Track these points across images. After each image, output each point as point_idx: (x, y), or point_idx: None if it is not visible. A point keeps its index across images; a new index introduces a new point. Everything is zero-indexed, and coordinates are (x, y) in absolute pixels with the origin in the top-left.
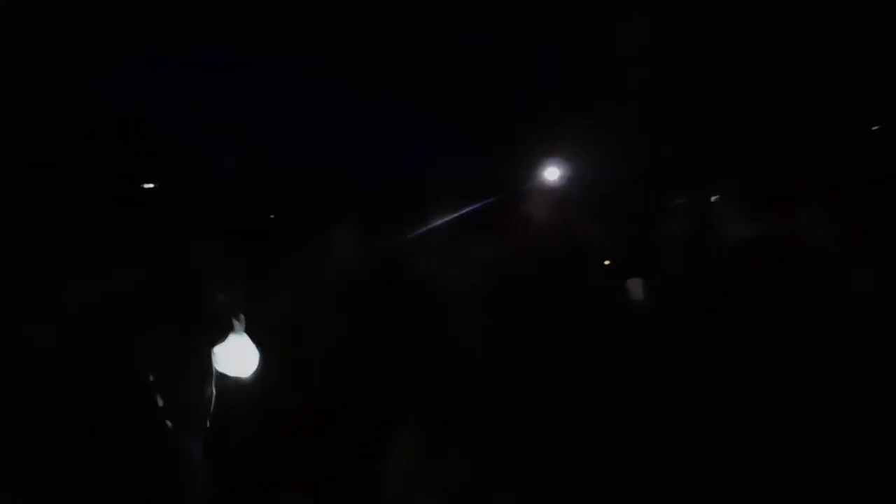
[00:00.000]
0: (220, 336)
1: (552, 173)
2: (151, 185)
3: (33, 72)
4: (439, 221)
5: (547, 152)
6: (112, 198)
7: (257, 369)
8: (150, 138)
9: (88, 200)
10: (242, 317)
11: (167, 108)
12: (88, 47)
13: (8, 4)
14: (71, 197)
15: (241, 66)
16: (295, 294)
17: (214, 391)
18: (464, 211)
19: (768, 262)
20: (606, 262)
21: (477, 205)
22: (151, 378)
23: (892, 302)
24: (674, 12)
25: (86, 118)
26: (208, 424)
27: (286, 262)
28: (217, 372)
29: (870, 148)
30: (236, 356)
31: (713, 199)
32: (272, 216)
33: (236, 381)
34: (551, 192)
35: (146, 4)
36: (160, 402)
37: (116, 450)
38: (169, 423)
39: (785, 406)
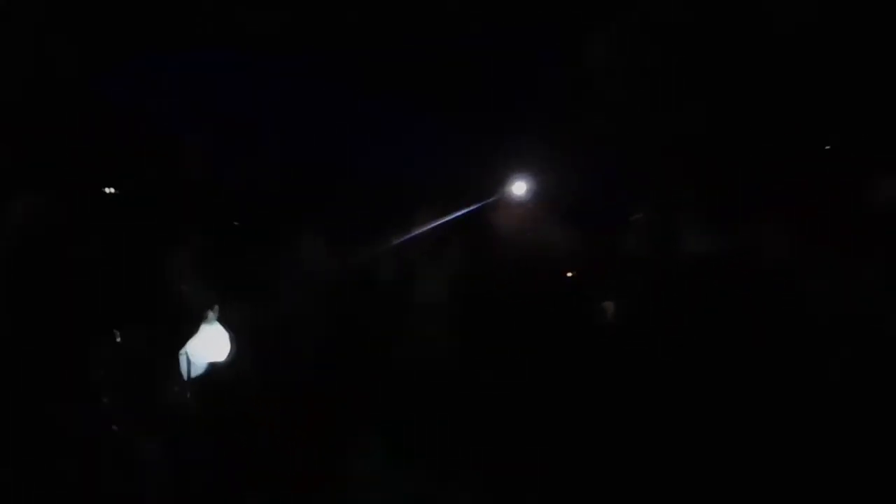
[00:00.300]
0: (193, 332)
1: (525, 185)
2: (129, 186)
3: (33, 72)
4: (415, 229)
5: (521, 164)
6: (92, 198)
7: (229, 360)
8: (137, 137)
9: (72, 200)
10: (216, 307)
11: (162, 108)
12: (88, 47)
13: (8, 4)
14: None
15: (227, 66)
16: (273, 294)
17: (185, 388)
18: (440, 220)
19: (727, 273)
20: (570, 274)
21: (453, 214)
22: (123, 378)
23: (848, 310)
24: (643, 33)
25: (84, 118)
26: (176, 422)
27: (267, 261)
28: (188, 367)
29: (824, 164)
30: (209, 344)
31: (675, 212)
32: (251, 216)
33: (208, 374)
34: (525, 202)
35: (146, 4)
36: (129, 402)
37: (86, 449)
38: (137, 422)
39: (742, 409)
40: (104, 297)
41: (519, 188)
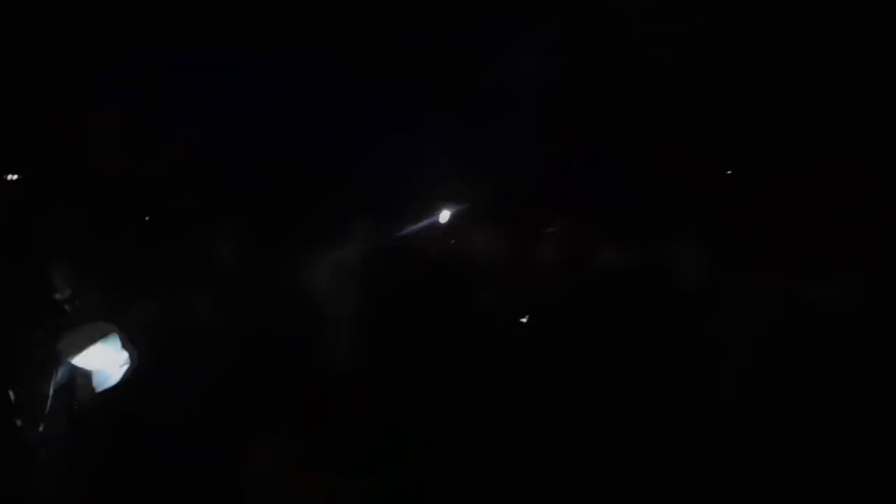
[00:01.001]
0: (66, 325)
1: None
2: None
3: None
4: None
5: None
6: None
7: (124, 366)
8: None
9: None
10: (88, 306)
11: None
12: (88, 47)
13: (7, 4)
14: None
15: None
16: (182, 296)
17: (62, 384)
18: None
19: (633, 287)
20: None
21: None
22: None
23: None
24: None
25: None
26: (55, 417)
27: (179, 260)
28: (70, 365)
29: (731, 186)
30: (94, 351)
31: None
32: (166, 211)
33: (97, 378)
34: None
35: (146, 4)
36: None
37: None
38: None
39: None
40: None
41: (448, 203)
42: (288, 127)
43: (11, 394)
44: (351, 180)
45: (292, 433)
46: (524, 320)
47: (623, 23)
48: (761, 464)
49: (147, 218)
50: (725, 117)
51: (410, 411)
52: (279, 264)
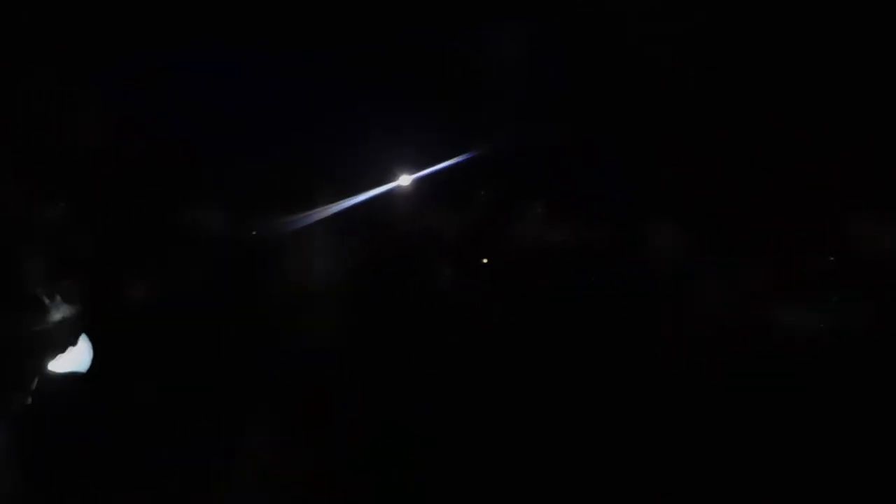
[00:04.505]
0: (34, 317)
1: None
2: None
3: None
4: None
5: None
6: None
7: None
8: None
9: None
10: (60, 298)
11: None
12: (88, 47)
13: (7, 4)
14: None
15: None
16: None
17: (30, 376)
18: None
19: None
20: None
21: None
22: None
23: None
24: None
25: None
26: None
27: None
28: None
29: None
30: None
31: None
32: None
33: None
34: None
35: (146, 4)
36: None
37: None
38: None
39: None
40: None
41: (406, 179)
42: (288, 127)
43: None
44: (350, 180)
45: (288, 432)
46: (523, 320)
47: (623, 23)
48: (760, 463)
49: (145, 217)
50: (725, 117)
51: (409, 411)
52: (278, 263)
